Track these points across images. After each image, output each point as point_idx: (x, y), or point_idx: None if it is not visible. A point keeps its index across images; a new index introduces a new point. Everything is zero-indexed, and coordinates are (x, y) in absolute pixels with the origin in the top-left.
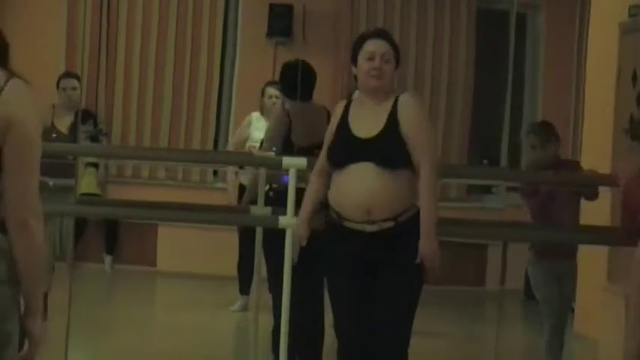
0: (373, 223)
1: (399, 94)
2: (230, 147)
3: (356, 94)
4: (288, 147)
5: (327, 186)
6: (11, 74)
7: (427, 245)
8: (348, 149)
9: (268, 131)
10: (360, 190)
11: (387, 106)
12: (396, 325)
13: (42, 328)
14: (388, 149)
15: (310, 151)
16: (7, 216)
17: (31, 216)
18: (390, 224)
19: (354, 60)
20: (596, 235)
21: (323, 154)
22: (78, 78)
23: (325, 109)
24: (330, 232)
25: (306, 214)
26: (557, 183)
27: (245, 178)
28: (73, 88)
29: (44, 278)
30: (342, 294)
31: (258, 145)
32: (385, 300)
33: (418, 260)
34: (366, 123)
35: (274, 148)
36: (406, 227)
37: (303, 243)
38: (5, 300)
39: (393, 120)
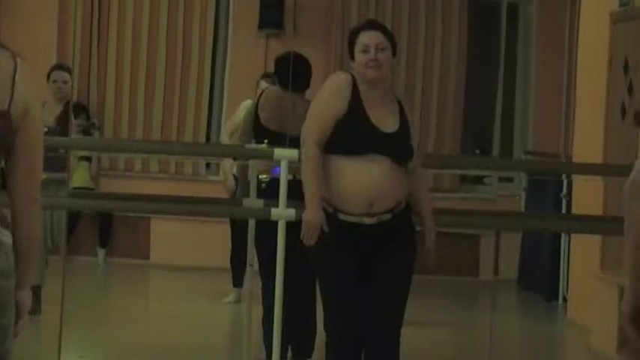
0: (372, 215)
1: (394, 93)
2: (224, 132)
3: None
4: (257, 128)
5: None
6: (13, 53)
7: (433, 239)
8: (370, 141)
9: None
10: (369, 182)
11: (395, 102)
12: (391, 315)
13: (29, 298)
14: (406, 146)
15: (278, 137)
16: (17, 191)
17: (38, 191)
18: (388, 216)
19: (351, 55)
20: (589, 223)
21: (319, 123)
22: (69, 71)
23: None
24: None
25: (318, 201)
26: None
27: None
28: (64, 82)
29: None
30: (334, 284)
31: None
32: (381, 289)
33: (425, 249)
34: (384, 117)
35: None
36: (400, 219)
37: (325, 228)
38: (7, 294)
39: (405, 119)
